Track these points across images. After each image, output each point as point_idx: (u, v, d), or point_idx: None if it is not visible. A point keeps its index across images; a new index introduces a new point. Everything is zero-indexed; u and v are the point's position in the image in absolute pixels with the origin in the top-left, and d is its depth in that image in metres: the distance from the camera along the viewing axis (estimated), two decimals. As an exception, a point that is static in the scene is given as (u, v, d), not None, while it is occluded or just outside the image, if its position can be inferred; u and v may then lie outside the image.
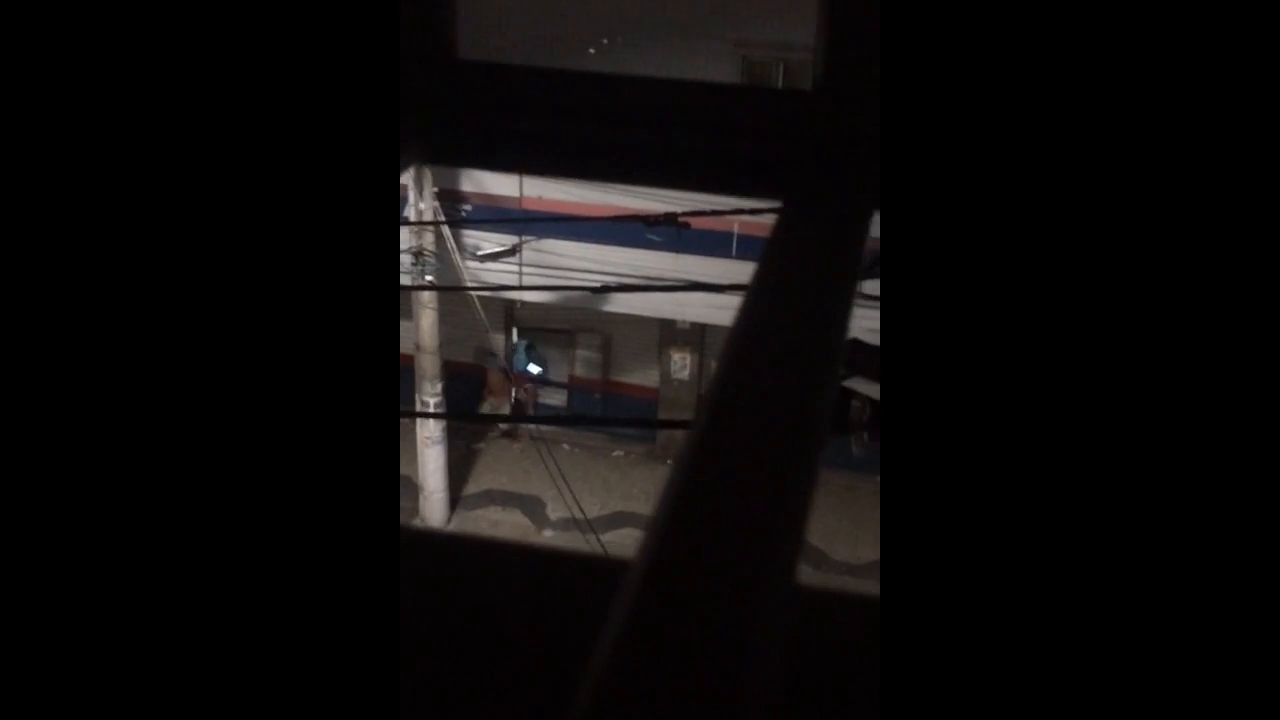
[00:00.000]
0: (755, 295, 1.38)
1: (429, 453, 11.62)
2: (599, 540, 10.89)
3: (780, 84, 10.65)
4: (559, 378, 13.36)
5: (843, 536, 11.19)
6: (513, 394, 12.90)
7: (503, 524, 12.16)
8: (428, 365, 11.37)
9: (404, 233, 10.77)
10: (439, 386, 11.48)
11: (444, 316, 11.33)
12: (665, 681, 0.78)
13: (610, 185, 9.98)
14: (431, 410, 11.47)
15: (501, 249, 11.31)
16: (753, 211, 4.88)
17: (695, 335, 12.25)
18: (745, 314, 1.31)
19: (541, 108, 1.96)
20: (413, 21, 1.95)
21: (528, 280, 11.12)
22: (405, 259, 10.89)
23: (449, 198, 11.17)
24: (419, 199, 10.66)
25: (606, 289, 9.35)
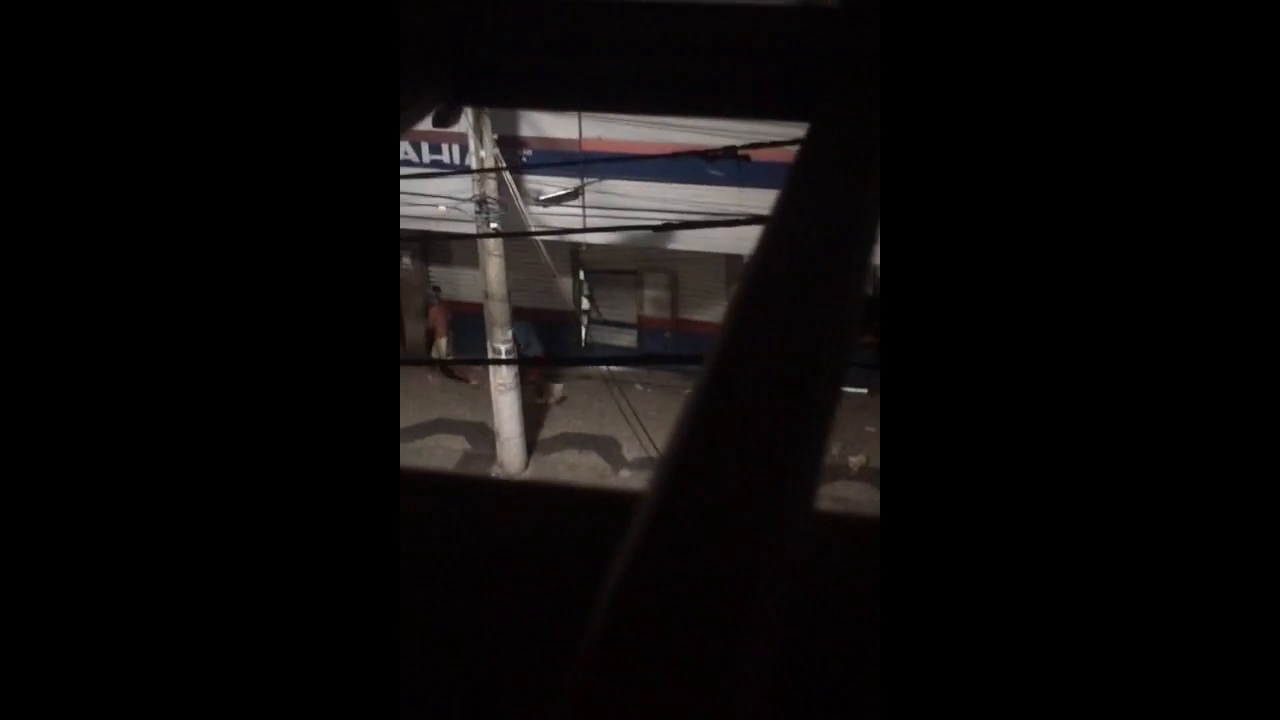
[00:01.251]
0: (780, 215, 1.36)
1: (503, 399, 11.75)
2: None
3: None
4: (628, 318, 13.38)
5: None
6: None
7: (579, 466, 12.28)
8: (497, 312, 11.45)
9: (467, 181, 10.81)
10: (509, 334, 11.57)
11: (512, 264, 11.39)
12: (675, 612, 0.78)
13: (667, 122, 9.89)
14: (504, 356, 11.58)
15: (564, 192, 11.31)
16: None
17: (762, 269, 12.15)
18: (769, 234, 1.30)
19: (565, 41, 1.95)
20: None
21: (591, 222, 11.11)
22: (469, 208, 10.95)
23: (509, 144, 11.18)
24: (479, 146, 10.68)
25: (669, 226, 9.29)
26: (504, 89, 2.10)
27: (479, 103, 2.36)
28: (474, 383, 13.01)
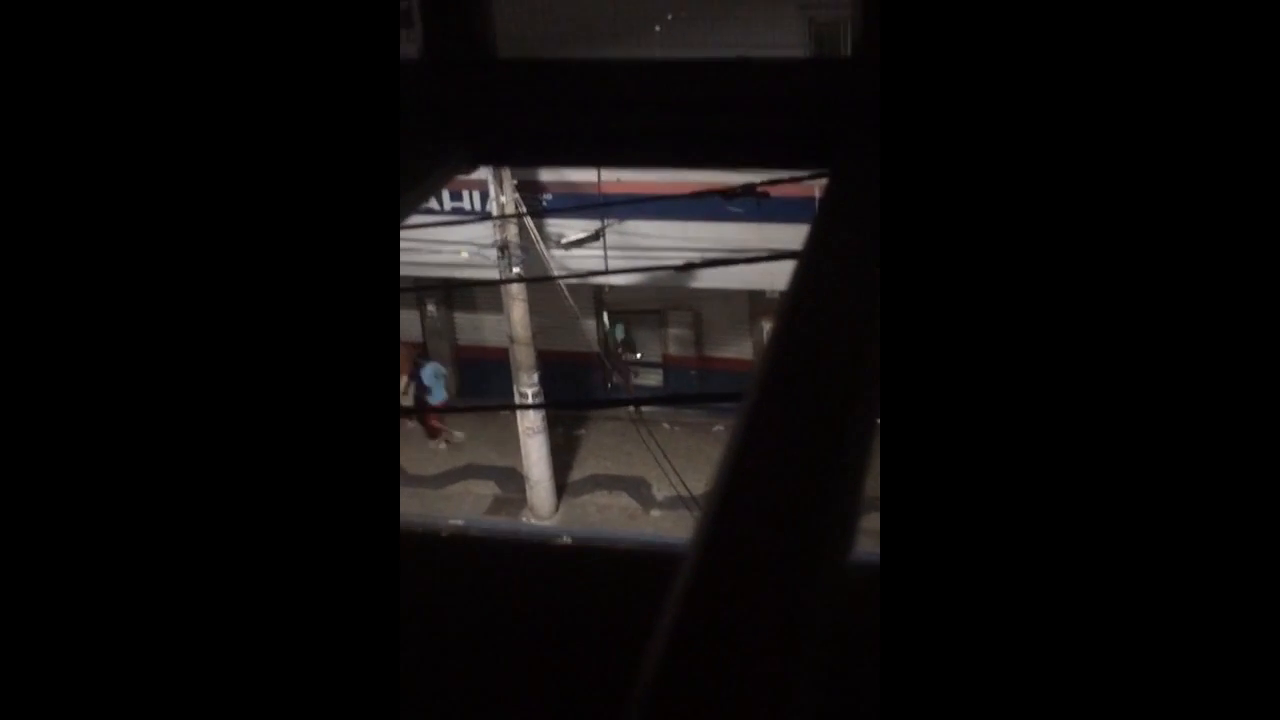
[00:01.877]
0: (804, 265, 1.37)
1: (531, 443, 11.75)
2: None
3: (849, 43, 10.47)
4: (653, 357, 13.38)
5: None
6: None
7: (610, 508, 12.25)
8: (523, 357, 11.49)
9: (487, 227, 10.88)
10: (535, 377, 11.59)
11: (535, 307, 11.43)
12: (720, 667, 0.79)
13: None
14: (530, 401, 11.60)
15: (585, 235, 11.35)
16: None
17: (786, 304, 12.16)
18: (795, 283, 1.30)
19: (582, 100, 1.97)
20: (447, 25, 1.97)
21: (613, 264, 11.15)
22: (491, 253, 11.01)
23: (528, 189, 11.25)
24: (499, 193, 10.76)
25: (691, 266, 9.32)
26: (524, 150, 2.12)
27: (498, 163, 2.38)
28: (447, 440, 12.92)
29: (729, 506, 0.92)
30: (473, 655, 1.02)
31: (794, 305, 1.28)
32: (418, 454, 12.64)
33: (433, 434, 13.00)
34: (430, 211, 11.28)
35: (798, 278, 1.33)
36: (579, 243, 11.37)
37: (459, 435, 13.00)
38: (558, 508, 12.28)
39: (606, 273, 11.11)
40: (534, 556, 1.15)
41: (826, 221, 1.55)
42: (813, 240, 1.45)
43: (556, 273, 11.26)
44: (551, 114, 1.99)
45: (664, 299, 12.71)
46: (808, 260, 1.39)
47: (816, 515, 0.90)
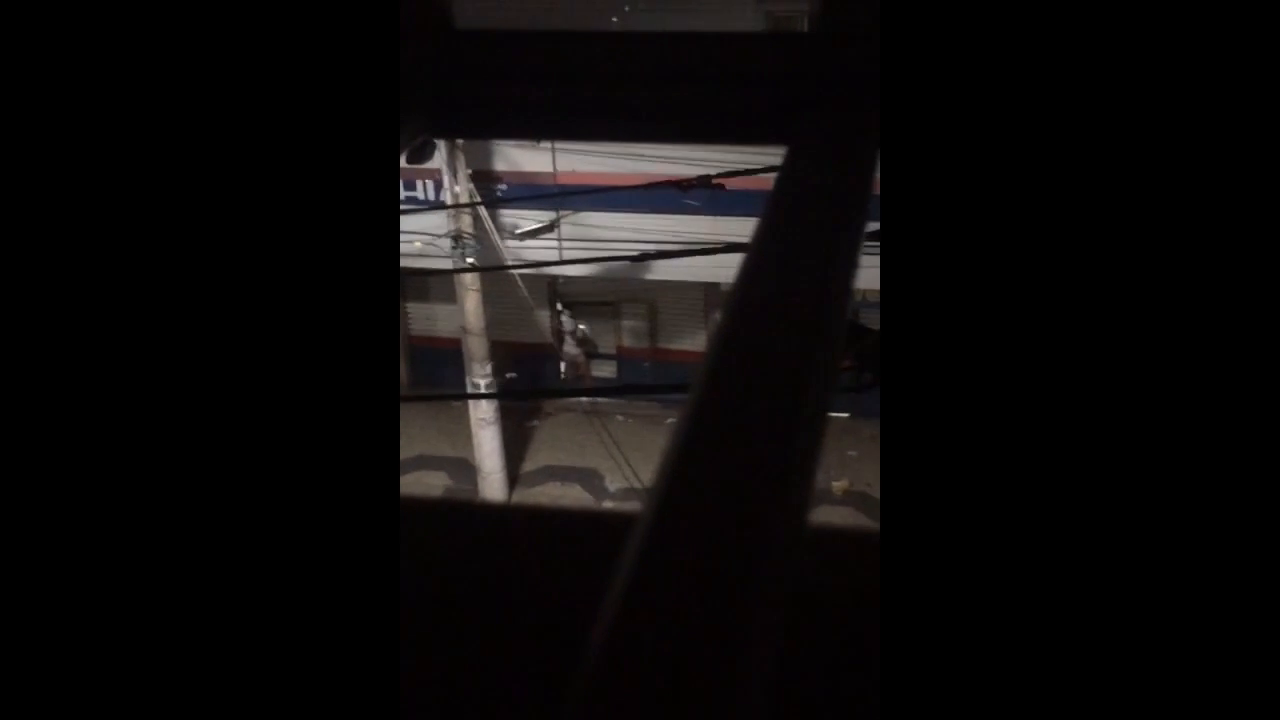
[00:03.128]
0: (760, 241, 1.36)
1: (483, 433, 11.72)
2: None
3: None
4: (607, 349, 13.38)
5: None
6: None
7: (563, 498, 12.24)
8: (475, 347, 11.44)
9: (441, 217, 10.81)
10: (488, 368, 11.55)
11: (489, 298, 11.39)
12: (671, 632, 0.78)
13: (642, 153, 9.94)
14: (483, 391, 11.55)
15: (540, 225, 11.32)
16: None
17: (740, 297, 12.23)
18: (749, 262, 1.30)
19: (540, 72, 1.95)
20: (406, -5, 1.96)
21: (568, 255, 11.13)
22: (444, 243, 10.94)
23: (483, 178, 11.20)
24: (454, 182, 10.70)
25: (646, 256, 9.31)
26: (481, 121, 2.10)
27: (456, 135, 2.36)
28: None
29: (678, 479, 0.91)
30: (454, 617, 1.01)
31: (746, 286, 1.27)
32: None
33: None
34: (383, 199, 11.17)
35: (752, 255, 1.32)
36: (533, 233, 11.34)
37: None
38: (510, 499, 12.25)
39: (560, 263, 11.08)
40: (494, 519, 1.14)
41: (782, 195, 1.55)
42: (769, 215, 1.44)
43: (511, 263, 11.21)
44: (510, 85, 1.98)
45: (618, 291, 12.71)
46: (762, 235, 1.39)
47: (768, 490, 0.90)
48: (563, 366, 13.04)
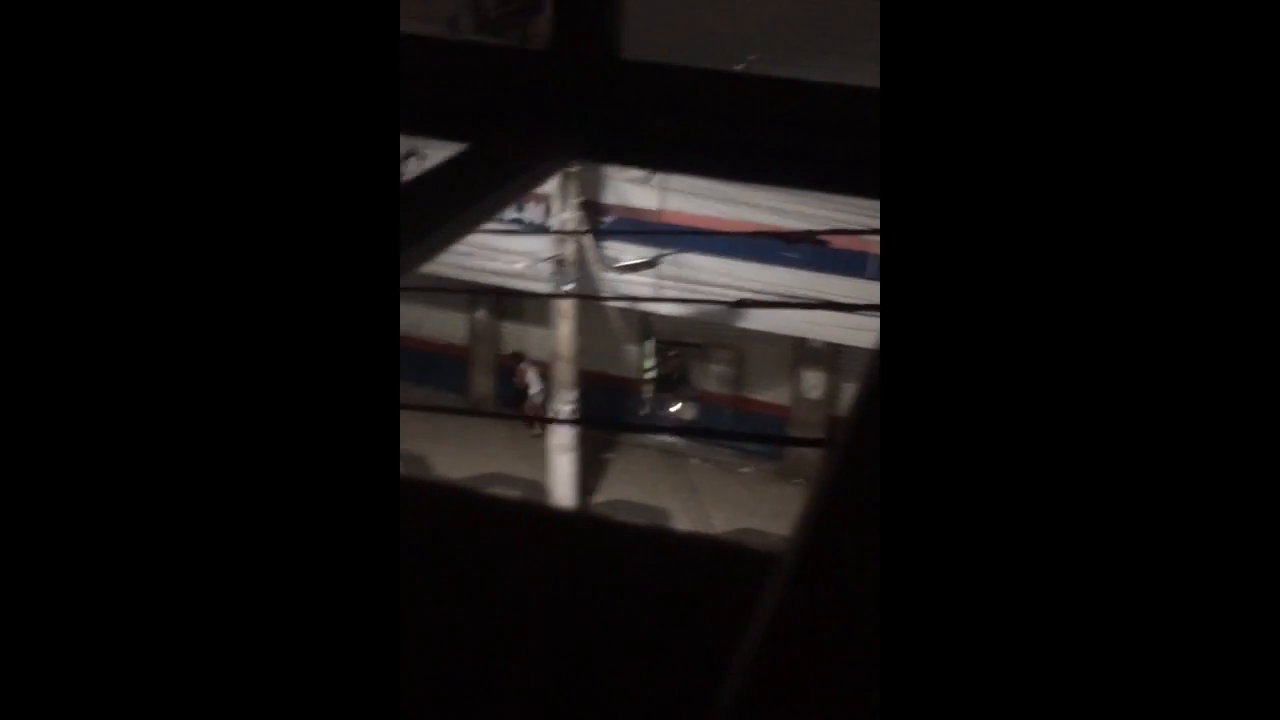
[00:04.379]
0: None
1: (559, 459, 11.77)
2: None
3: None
4: (688, 391, 13.38)
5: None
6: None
7: (629, 533, 12.18)
8: (563, 373, 11.53)
9: (545, 241, 10.95)
10: (573, 394, 11.62)
11: (581, 326, 11.48)
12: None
13: (748, 200, 9.98)
14: (565, 417, 11.62)
15: (640, 261, 11.40)
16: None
17: (829, 355, 12.14)
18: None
19: (697, 107, 2.01)
20: (577, 20, 2.02)
21: (664, 293, 11.19)
22: (545, 267, 11.08)
23: (591, 209, 11.33)
24: (561, 209, 10.84)
25: (741, 303, 9.34)
26: (634, 150, 2.17)
27: (608, 161, 2.42)
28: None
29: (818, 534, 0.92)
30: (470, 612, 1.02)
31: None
32: (450, 455, 12.69)
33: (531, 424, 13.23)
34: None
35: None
36: (634, 268, 11.42)
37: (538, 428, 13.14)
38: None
39: (656, 300, 11.15)
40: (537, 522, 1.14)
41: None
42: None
43: (607, 295, 11.31)
44: (667, 118, 2.04)
45: (709, 334, 12.72)
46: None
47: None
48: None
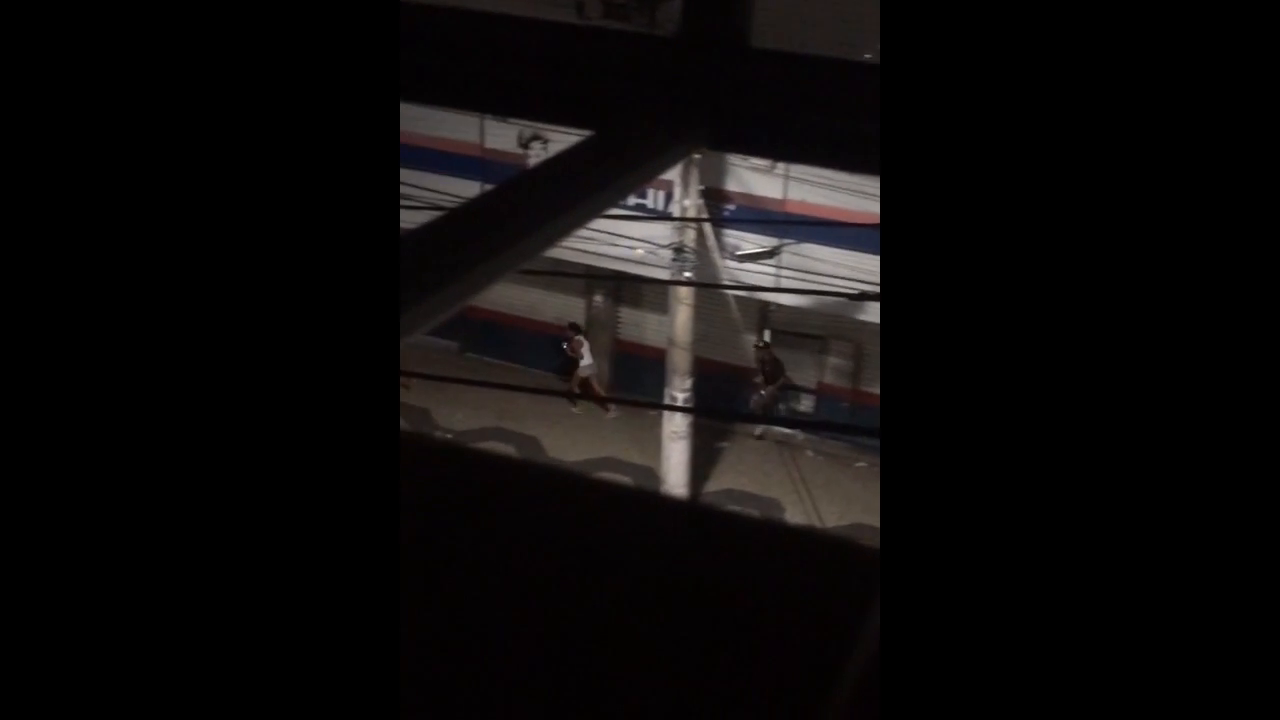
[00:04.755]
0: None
1: (673, 446, 11.79)
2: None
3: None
4: (808, 383, 13.28)
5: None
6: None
7: (739, 524, 12.17)
8: (679, 360, 11.54)
9: (666, 227, 10.97)
10: (688, 382, 11.63)
11: (700, 314, 11.48)
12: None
13: (873, 193, 9.84)
14: (680, 404, 11.65)
15: (760, 250, 11.35)
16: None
17: (952, 351, 11.95)
18: None
19: (826, 98, 1.97)
20: (707, 7, 2.00)
21: (784, 283, 11.11)
22: (665, 254, 11.10)
23: (713, 196, 11.30)
24: (683, 195, 10.84)
25: (863, 296, 9.21)
26: (762, 139, 2.14)
27: (736, 149, 2.42)
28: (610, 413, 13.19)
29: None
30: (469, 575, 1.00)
31: None
32: (565, 437, 12.83)
33: (601, 404, 13.41)
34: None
35: None
36: (754, 257, 11.37)
37: (614, 409, 13.23)
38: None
39: (776, 290, 11.08)
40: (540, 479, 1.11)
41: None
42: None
43: (726, 283, 11.28)
44: (793, 107, 2.01)
45: (827, 327, 12.60)
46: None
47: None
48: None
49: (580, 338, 13.20)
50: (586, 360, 13.22)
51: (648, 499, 1.05)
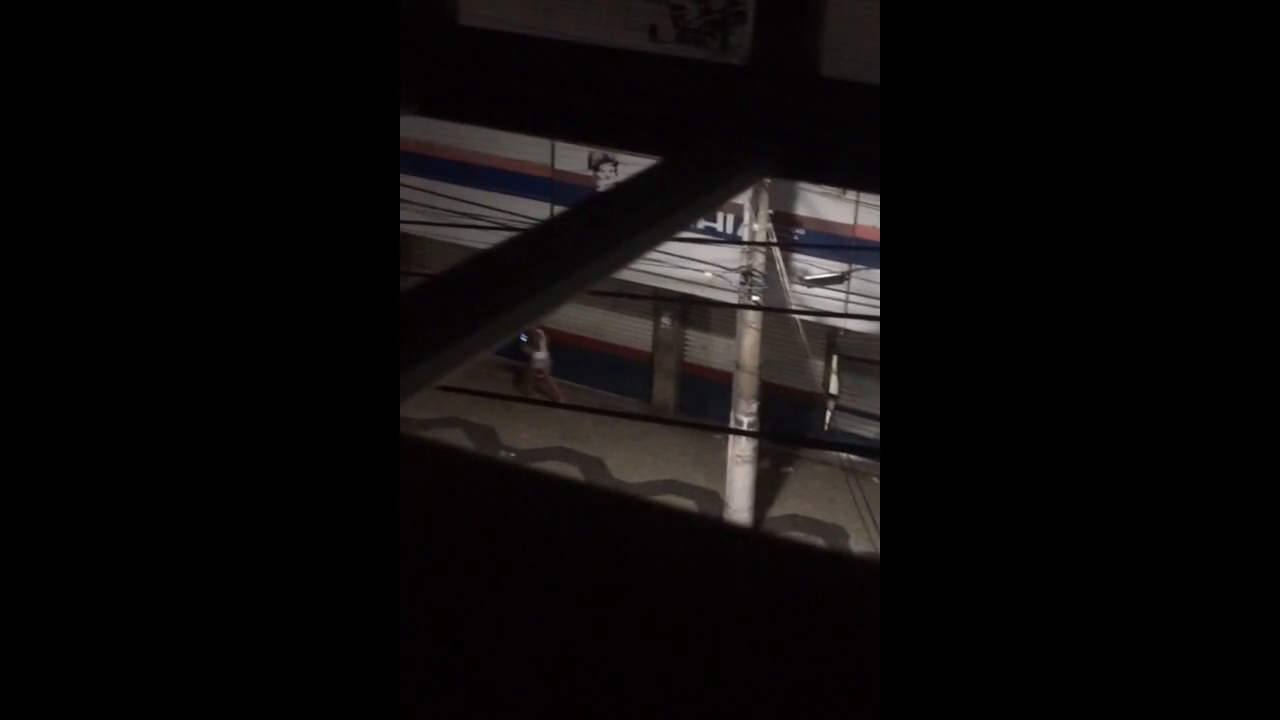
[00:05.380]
0: None
1: (737, 470, 11.76)
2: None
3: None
4: (873, 409, 13.16)
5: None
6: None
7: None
8: (745, 384, 11.52)
9: (735, 251, 10.98)
10: (754, 406, 11.60)
11: (767, 338, 11.45)
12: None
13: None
14: (745, 428, 11.62)
15: (829, 275, 11.30)
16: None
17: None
18: None
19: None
20: (776, 35, 2.02)
21: (854, 309, 11.05)
22: (734, 277, 11.10)
23: (783, 220, 11.30)
24: (753, 219, 10.85)
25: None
26: (827, 167, 2.16)
27: (800, 176, 2.45)
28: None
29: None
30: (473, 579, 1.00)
31: None
32: (628, 459, 12.85)
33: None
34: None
35: None
36: (823, 282, 11.34)
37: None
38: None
39: (845, 316, 11.02)
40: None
41: None
42: None
43: (795, 308, 11.25)
44: (862, 135, 2.02)
45: (896, 353, 12.49)
46: None
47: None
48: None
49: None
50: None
51: (653, 506, 1.05)
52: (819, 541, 12.16)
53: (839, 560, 1.13)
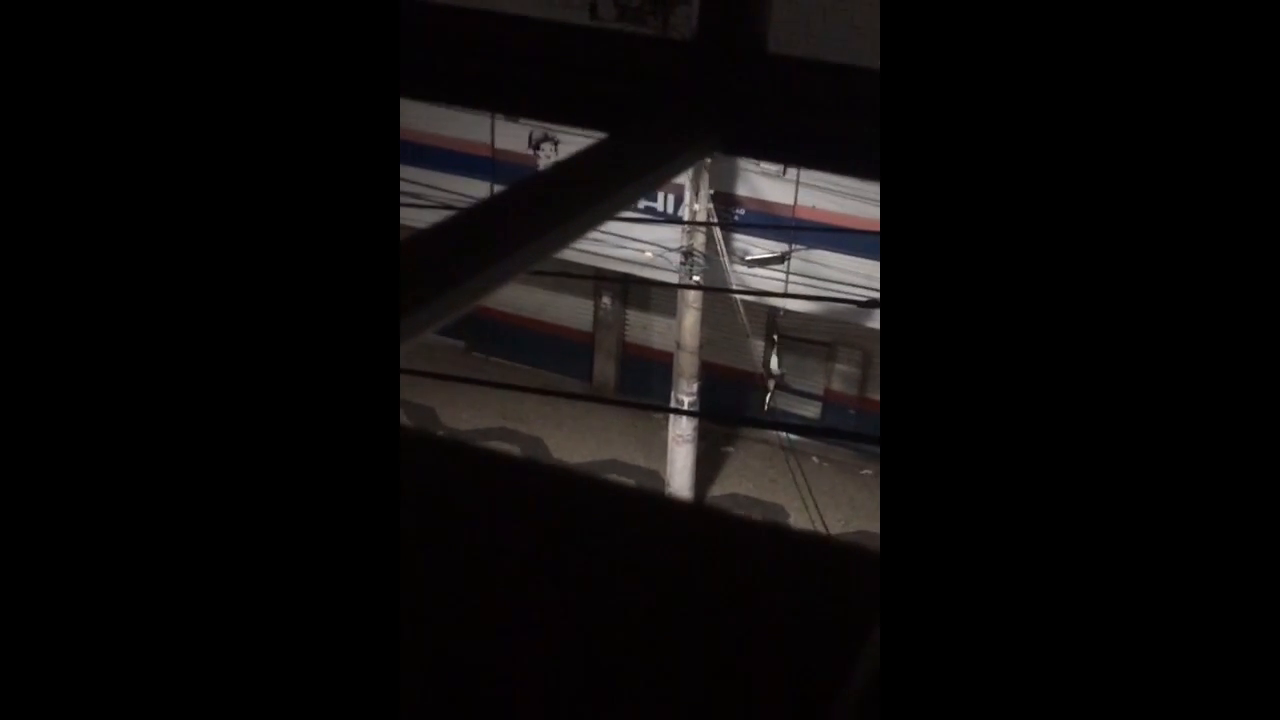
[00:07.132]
0: None
1: (678, 450, 11.79)
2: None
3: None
4: (814, 390, 13.26)
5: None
6: None
7: (743, 529, 12.16)
8: (686, 364, 11.53)
9: (675, 231, 10.97)
10: (695, 386, 11.62)
11: (707, 318, 11.47)
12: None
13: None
14: (685, 408, 11.63)
15: (770, 255, 11.33)
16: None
17: (959, 360, 11.92)
18: None
19: (842, 103, 1.96)
20: (723, 12, 1.99)
21: (794, 289, 11.11)
22: (674, 257, 11.09)
23: (723, 200, 11.30)
24: (693, 199, 10.83)
25: (872, 304, 9.19)
26: (775, 144, 2.13)
27: (745, 154, 2.42)
28: None
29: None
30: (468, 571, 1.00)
31: None
32: (569, 439, 12.83)
33: None
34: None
35: None
36: (763, 262, 11.36)
37: None
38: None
39: (784, 295, 11.06)
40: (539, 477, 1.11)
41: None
42: None
43: (735, 288, 11.27)
44: (808, 113, 2.00)
45: (836, 333, 12.59)
46: None
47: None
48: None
49: None
50: None
51: (651, 500, 1.04)
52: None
53: (785, 536, 1.12)
